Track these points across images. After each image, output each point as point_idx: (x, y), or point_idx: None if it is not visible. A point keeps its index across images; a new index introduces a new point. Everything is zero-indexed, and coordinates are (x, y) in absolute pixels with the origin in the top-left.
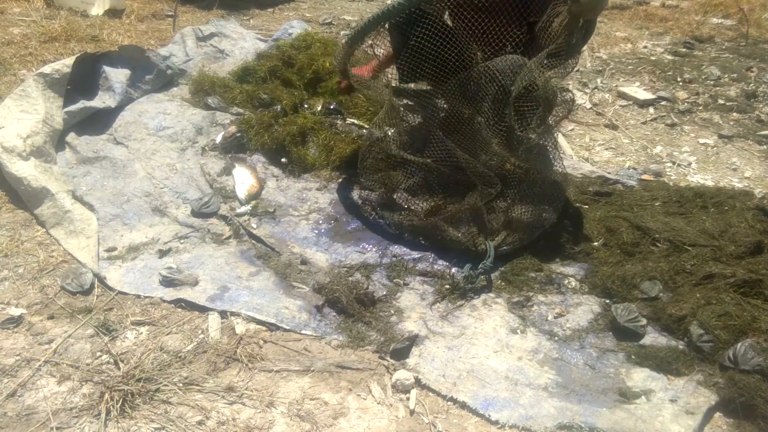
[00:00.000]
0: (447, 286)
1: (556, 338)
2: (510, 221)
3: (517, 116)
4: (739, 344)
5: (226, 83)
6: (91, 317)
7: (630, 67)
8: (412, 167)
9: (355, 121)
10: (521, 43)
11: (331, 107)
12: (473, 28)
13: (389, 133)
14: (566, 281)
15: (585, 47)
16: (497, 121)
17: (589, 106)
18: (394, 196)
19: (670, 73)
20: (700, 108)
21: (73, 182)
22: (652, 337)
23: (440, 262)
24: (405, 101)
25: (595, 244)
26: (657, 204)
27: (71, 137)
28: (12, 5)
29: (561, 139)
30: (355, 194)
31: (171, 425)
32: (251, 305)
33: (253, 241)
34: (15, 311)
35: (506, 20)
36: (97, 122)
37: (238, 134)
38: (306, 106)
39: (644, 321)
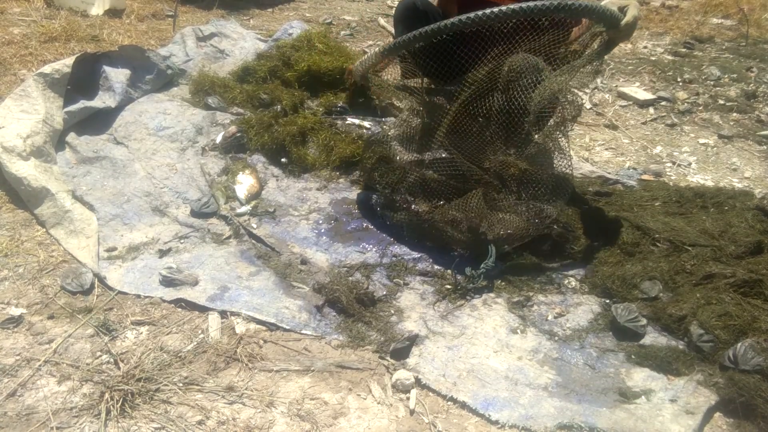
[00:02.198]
0: (447, 286)
1: (556, 338)
2: (511, 221)
3: (537, 121)
4: (739, 344)
5: (226, 83)
6: (91, 317)
7: (630, 67)
8: (413, 168)
9: (356, 121)
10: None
11: (338, 106)
12: (513, 51)
13: (390, 133)
14: (566, 281)
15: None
16: (507, 122)
17: (589, 106)
18: (395, 197)
19: (670, 73)
20: (700, 108)
21: (73, 182)
22: (652, 337)
23: (440, 261)
24: (411, 103)
25: (595, 244)
26: (657, 204)
27: (71, 137)
28: (12, 5)
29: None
30: (356, 194)
31: (171, 425)
32: (251, 305)
33: (253, 241)
34: (15, 311)
35: (548, 42)
36: (97, 122)
37: (239, 134)
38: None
39: (644, 321)
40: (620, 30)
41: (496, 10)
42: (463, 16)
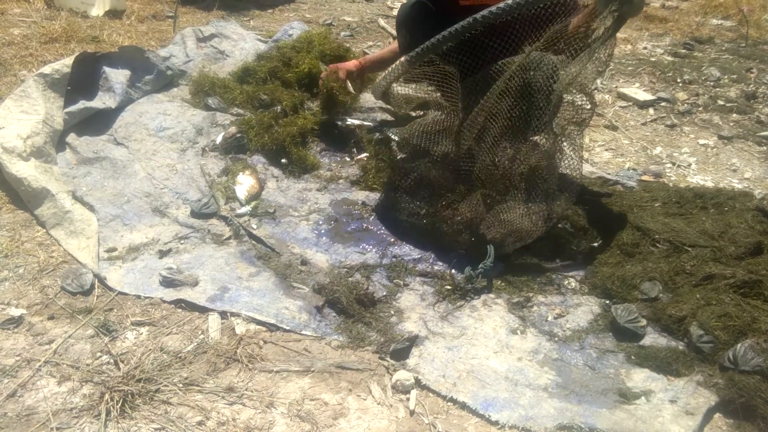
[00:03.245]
0: (447, 287)
1: (556, 339)
2: (512, 222)
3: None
4: (739, 345)
5: (227, 84)
6: (92, 318)
7: (630, 68)
8: (413, 169)
9: (356, 122)
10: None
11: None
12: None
13: (392, 137)
14: (566, 282)
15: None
16: (520, 119)
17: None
18: (395, 196)
19: (669, 74)
20: (700, 109)
21: (73, 183)
22: (652, 338)
23: (440, 262)
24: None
25: (595, 244)
26: (657, 205)
27: (71, 138)
28: (12, 6)
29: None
30: (356, 194)
31: (171, 425)
32: (251, 306)
33: (253, 242)
34: (15, 311)
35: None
36: (97, 123)
37: (239, 135)
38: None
39: (644, 322)
40: (633, 3)
41: (510, 1)
42: (493, 8)
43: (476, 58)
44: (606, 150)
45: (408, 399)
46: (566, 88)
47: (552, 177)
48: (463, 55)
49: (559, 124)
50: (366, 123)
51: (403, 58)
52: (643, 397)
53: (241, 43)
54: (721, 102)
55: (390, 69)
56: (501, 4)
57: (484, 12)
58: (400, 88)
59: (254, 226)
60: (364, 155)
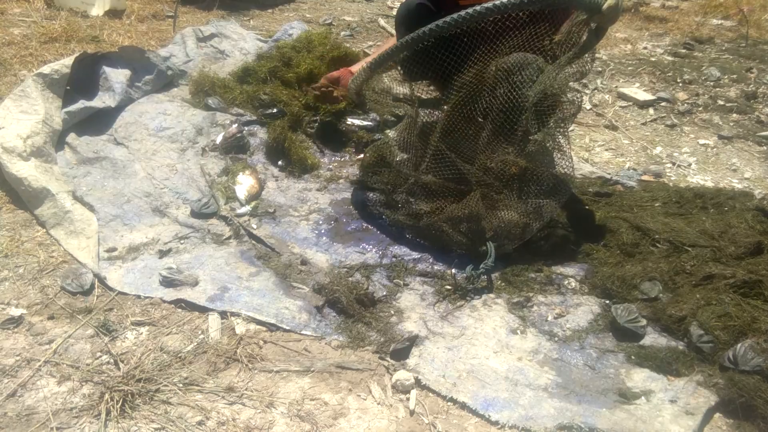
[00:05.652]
0: (447, 287)
1: (556, 339)
2: (510, 218)
3: (534, 118)
4: (739, 345)
5: (227, 84)
6: (91, 317)
7: (630, 68)
8: (411, 173)
9: (356, 122)
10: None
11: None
12: (499, 49)
13: (390, 135)
14: (566, 282)
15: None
16: (505, 121)
17: (589, 106)
18: (395, 197)
19: (669, 74)
20: (700, 109)
21: (73, 182)
22: (652, 338)
23: (440, 262)
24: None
25: (595, 244)
26: (657, 205)
27: (71, 137)
28: (12, 6)
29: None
30: (356, 194)
31: (171, 425)
32: (251, 305)
33: (253, 242)
34: (15, 311)
35: (533, 37)
36: (97, 123)
37: (239, 135)
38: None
39: (644, 321)
40: (604, 14)
41: (470, 10)
42: (440, 21)
43: (438, 69)
44: (606, 150)
45: (408, 399)
46: (549, 88)
47: (545, 176)
48: (419, 67)
49: (548, 123)
50: (366, 123)
51: (364, 64)
52: (643, 397)
53: (241, 42)
54: (721, 102)
55: (356, 75)
56: (447, 18)
57: (431, 25)
58: (399, 88)
59: (254, 226)
60: (364, 155)
